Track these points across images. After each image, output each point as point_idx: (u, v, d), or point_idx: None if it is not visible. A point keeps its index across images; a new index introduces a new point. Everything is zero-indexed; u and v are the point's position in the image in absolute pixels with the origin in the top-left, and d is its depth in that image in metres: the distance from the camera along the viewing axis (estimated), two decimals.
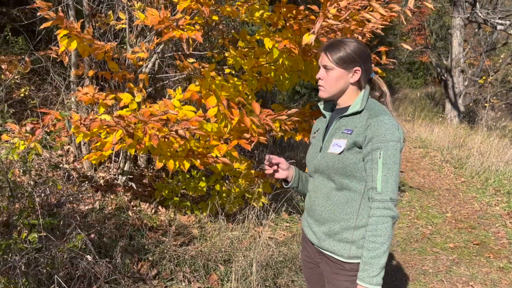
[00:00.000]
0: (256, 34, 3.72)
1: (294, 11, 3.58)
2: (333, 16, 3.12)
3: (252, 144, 3.63)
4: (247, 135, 3.65)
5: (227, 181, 4.20)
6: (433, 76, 21.97)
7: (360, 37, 3.33)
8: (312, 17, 3.43)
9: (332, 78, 1.69)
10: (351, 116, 1.68)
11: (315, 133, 1.89)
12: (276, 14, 3.61)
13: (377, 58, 3.65)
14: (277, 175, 1.92)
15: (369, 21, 3.33)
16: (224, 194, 4.03)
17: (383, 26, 3.36)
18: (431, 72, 21.93)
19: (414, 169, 8.13)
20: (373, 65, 1.74)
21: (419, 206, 5.93)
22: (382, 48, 3.59)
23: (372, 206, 1.57)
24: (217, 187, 4.08)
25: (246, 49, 3.67)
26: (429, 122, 12.05)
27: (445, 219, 5.47)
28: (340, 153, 1.63)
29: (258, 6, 3.65)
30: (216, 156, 3.60)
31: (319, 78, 1.73)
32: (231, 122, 3.51)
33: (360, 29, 3.27)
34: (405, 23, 3.48)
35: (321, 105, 1.87)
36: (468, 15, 12.64)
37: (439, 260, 4.19)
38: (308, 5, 3.54)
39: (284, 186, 1.98)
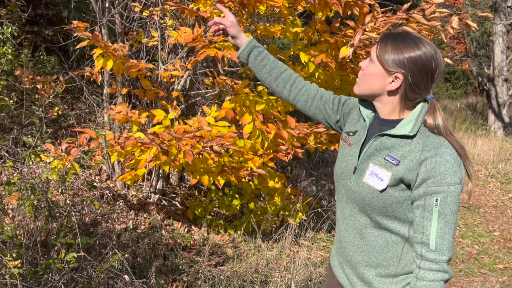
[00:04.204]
0: (291, 49, 3.65)
1: (329, 27, 3.50)
2: (371, 29, 3.02)
3: (289, 156, 3.55)
4: (284, 147, 3.56)
5: (261, 199, 4.11)
6: (474, 86, 21.15)
7: None
8: (349, 31, 3.34)
9: (368, 72, 1.36)
10: (398, 139, 1.32)
11: (349, 134, 1.49)
12: (312, 29, 3.54)
13: None
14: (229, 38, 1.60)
15: None
16: (258, 213, 3.94)
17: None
18: (471, 82, 21.14)
19: None
20: (433, 85, 1.33)
21: (463, 224, 5.64)
22: None
23: (422, 266, 1.25)
24: (251, 205, 3.99)
25: None
26: (472, 135, 11.49)
27: (493, 238, 5.17)
28: (382, 191, 1.30)
29: (290, 20, 3.59)
30: (251, 169, 3.54)
31: (361, 68, 1.42)
32: (268, 137, 3.43)
33: None
34: (445, 41, 3.33)
35: (361, 104, 1.49)
36: (511, 21, 12.20)
37: (488, 282, 3.94)
38: (344, 20, 3.46)
39: (236, 56, 1.66)
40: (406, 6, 3.17)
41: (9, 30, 3.56)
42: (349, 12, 3.42)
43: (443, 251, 1.23)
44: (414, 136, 1.29)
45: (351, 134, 1.48)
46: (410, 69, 1.28)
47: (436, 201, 1.22)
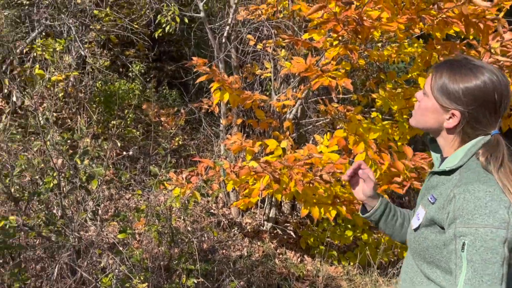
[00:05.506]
0: (409, 73, 3.52)
1: (449, 48, 3.30)
2: (499, 50, 2.80)
3: (405, 189, 3.38)
4: (399, 179, 3.41)
5: (375, 231, 3.94)
6: None
7: None
8: (472, 52, 3.12)
9: (422, 107, 1.21)
10: (443, 176, 1.17)
11: None
12: (429, 51, 3.37)
13: None
14: (356, 191, 1.42)
15: None
16: (372, 246, 3.78)
17: None
18: None
19: None
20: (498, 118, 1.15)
21: None
22: None
23: None
24: (365, 236, 3.85)
25: (398, 90, 3.47)
26: None
27: None
28: (415, 229, 1.18)
29: (407, 45, 3.47)
30: None
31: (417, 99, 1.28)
32: (381, 168, 3.32)
33: None
34: None
35: (431, 145, 1.33)
36: None
37: None
38: (466, 40, 3.25)
39: (361, 214, 1.47)
40: None
41: (138, 67, 3.91)
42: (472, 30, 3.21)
43: None
44: (455, 170, 1.14)
45: None
46: (468, 104, 1.11)
47: (463, 245, 1.03)
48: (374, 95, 3.63)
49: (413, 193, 5.21)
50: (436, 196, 1.14)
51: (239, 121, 3.82)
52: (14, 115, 3.92)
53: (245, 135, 3.73)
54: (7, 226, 2.46)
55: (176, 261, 3.11)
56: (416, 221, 1.19)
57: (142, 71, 4.23)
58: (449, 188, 1.11)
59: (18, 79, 3.98)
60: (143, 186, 3.63)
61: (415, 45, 3.48)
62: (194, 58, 3.37)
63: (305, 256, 3.84)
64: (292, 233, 4.03)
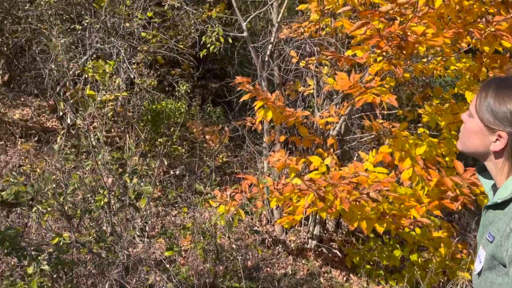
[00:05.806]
0: (456, 87, 3.42)
1: (498, 61, 3.19)
2: None
3: (457, 204, 3.26)
4: (451, 194, 3.28)
5: (424, 252, 3.81)
6: None
7: None
8: None
9: (468, 128, 1.11)
10: (497, 210, 1.06)
11: None
12: (477, 65, 3.27)
13: None
14: None
15: None
16: (422, 266, 3.64)
17: None
18: None
19: None
20: None
21: None
22: None
23: None
24: (414, 257, 3.72)
25: (445, 105, 3.38)
26: None
27: None
28: (478, 274, 1.05)
29: (454, 60, 3.38)
30: (414, 218, 3.33)
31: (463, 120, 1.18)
32: (429, 184, 3.22)
33: None
34: None
35: (480, 174, 1.21)
36: None
37: None
38: None
39: None
40: None
41: (184, 87, 4.02)
42: None
43: None
44: (508, 202, 1.02)
45: None
46: None
47: None
48: (420, 111, 3.55)
49: (463, 210, 5.00)
50: (494, 234, 1.03)
51: (282, 138, 3.83)
52: (67, 134, 4.12)
53: (288, 152, 3.74)
54: (61, 242, 2.56)
55: (221, 279, 3.13)
56: (478, 264, 1.07)
57: (188, 90, 4.35)
58: (505, 223, 1.00)
59: (71, 100, 4.18)
60: (189, 204, 3.70)
61: (463, 60, 3.38)
62: (237, 76, 3.43)
63: (351, 275, 3.76)
64: (337, 252, 3.96)
